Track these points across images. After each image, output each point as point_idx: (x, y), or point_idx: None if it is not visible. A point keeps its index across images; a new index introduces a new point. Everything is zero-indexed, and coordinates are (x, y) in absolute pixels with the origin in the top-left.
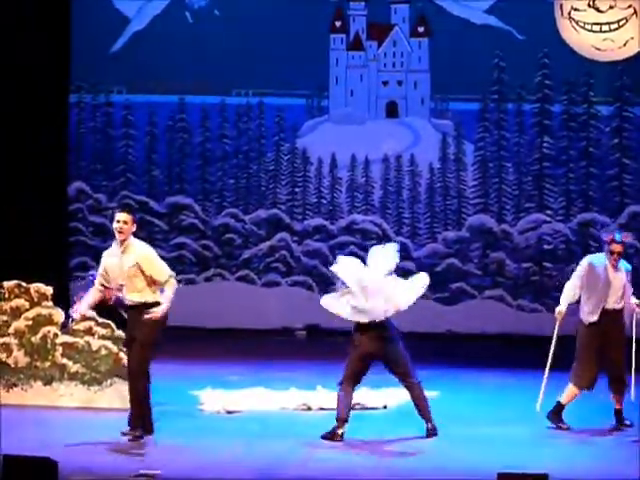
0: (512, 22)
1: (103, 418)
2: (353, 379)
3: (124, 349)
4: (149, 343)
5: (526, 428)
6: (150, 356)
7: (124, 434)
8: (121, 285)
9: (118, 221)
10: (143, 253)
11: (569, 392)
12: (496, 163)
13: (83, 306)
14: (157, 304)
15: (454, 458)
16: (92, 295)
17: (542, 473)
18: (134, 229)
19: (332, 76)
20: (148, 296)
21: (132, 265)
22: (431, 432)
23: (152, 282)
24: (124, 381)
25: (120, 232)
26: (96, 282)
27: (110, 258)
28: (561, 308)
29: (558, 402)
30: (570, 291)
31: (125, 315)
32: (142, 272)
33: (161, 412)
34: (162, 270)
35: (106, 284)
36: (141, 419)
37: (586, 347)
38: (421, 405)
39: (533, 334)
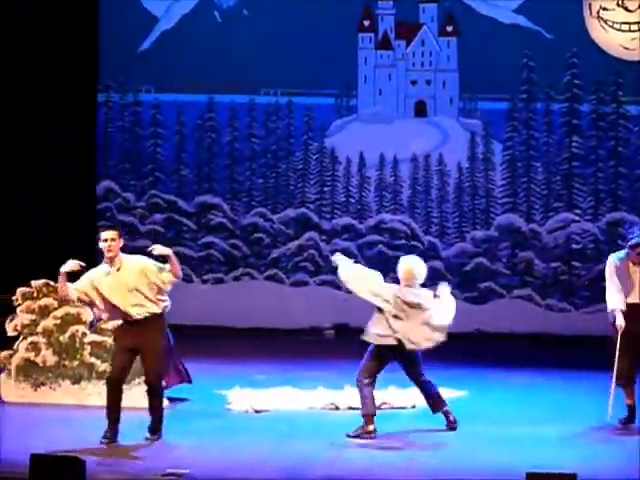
0: (541, 21)
1: (130, 417)
2: (371, 375)
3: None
4: (161, 351)
5: (555, 428)
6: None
7: (148, 439)
8: (111, 306)
9: (105, 240)
10: (144, 263)
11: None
12: (525, 163)
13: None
14: (162, 315)
15: (482, 458)
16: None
17: (571, 473)
18: (122, 244)
19: (360, 75)
20: (154, 307)
21: (136, 276)
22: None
23: (156, 289)
24: None
25: (109, 250)
26: (71, 295)
27: (104, 278)
28: (620, 322)
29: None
30: (616, 294)
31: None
32: (147, 282)
33: (189, 411)
34: (166, 271)
35: (88, 303)
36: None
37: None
38: (434, 400)
39: (561, 334)
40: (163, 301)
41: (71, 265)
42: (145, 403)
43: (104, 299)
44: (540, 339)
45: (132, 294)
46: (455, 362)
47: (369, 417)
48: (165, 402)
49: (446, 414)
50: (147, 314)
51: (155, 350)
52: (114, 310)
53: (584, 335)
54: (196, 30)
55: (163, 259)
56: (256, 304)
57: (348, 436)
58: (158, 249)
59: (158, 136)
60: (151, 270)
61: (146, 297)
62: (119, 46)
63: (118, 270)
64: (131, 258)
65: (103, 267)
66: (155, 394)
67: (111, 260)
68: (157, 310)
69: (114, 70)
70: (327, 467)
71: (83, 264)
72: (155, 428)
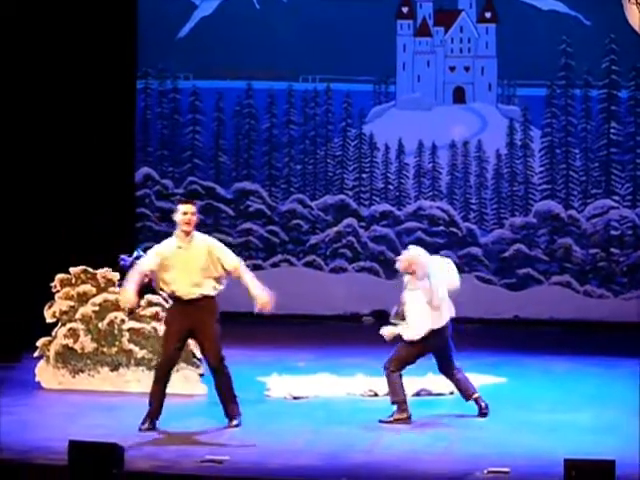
0: (579, 8)
1: (169, 404)
2: (403, 367)
3: (163, 341)
4: (218, 334)
5: (593, 414)
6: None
7: (231, 426)
8: (171, 278)
9: (185, 213)
10: (212, 242)
11: None
12: (563, 149)
13: (131, 295)
14: (215, 298)
15: (521, 444)
16: (137, 282)
17: (609, 459)
18: (197, 220)
19: (399, 62)
20: (210, 289)
21: (204, 255)
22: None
23: (218, 273)
24: (190, 367)
25: (188, 224)
26: (143, 267)
27: (174, 249)
28: None
29: None
30: None
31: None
32: (212, 262)
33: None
34: (233, 255)
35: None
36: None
37: None
38: (464, 386)
39: (600, 320)
40: (220, 285)
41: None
42: (181, 390)
43: (168, 268)
44: (578, 325)
45: (196, 272)
46: (494, 349)
47: (401, 403)
48: (205, 389)
49: (477, 401)
50: (202, 295)
51: (212, 332)
52: (174, 280)
53: (622, 321)
54: (234, 17)
55: None
56: (294, 291)
57: (381, 422)
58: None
59: (196, 123)
60: (218, 250)
61: (207, 277)
62: (158, 33)
63: (190, 243)
64: (202, 236)
65: (173, 240)
66: (221, 375)
67: (187, 234)
68: (212, 293)
69: (153, 57)
70: (366, 453)
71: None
72: (232, 412)
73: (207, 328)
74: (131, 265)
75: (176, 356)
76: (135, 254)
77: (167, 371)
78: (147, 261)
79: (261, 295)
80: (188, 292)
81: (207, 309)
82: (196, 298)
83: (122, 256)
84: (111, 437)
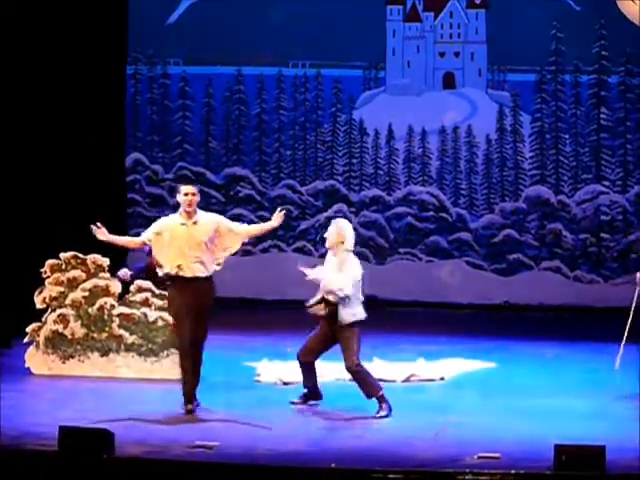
0: None
1: (159, 389)
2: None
3: (175, 317)
4: (209, 315)
5: (583, 400)
6: None
7: (187, 411)
8: (173, 255)
9: (186, 194)
10: (219, 218)
11: None
12: (553, 134)
13: (107, 235)
14: (212, 278)
15: (511, 430)
16: (125, 240)
17: (599, 445)
18: (198, 200)
19: (389, 47)
20: (210, 269)
21: (209, 232)
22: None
23: (222, 250)
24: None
25: (189, 204)
26: (140, 237)
27: (177, 226)
28: None
29: None
30: None
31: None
32: (219, 237)
33: (217, 384)
34: (238, 223)
35: (152, 247)
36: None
37: None
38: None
39: (590, 305)
40: (218, 267)
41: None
42: (170, 375)
43: (170, 243)
44: (568, 311)
45: (199, 249)
46: (484, 334)
47: (381, 396)
48: None
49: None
50: (202, 274)
51: (207, 312)
52: (175, 257)
53: (612, 307)
54: (224, 2)
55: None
56: (284, 276)
57: (375, 417)
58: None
59: (186, 108)
60: (226, 222)
61: (210, 255)
62: (148, 19)
63: (195, 224)
64: (207, 214)
65: (176, 217)
66: (199, 355)
67: (189, 214)
68: (210, 273)
69: (143, 43)
70: (356, 438)
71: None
72: (191, 396)
73: (204, 308)
74: (131, 278)
75: (193, 331)
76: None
77: (193, 346)
78: (145, 232)
79: (274, 221)
80: (190, 268)
81: (207, 288)
82: (196, 277)
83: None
84: (101, 423)
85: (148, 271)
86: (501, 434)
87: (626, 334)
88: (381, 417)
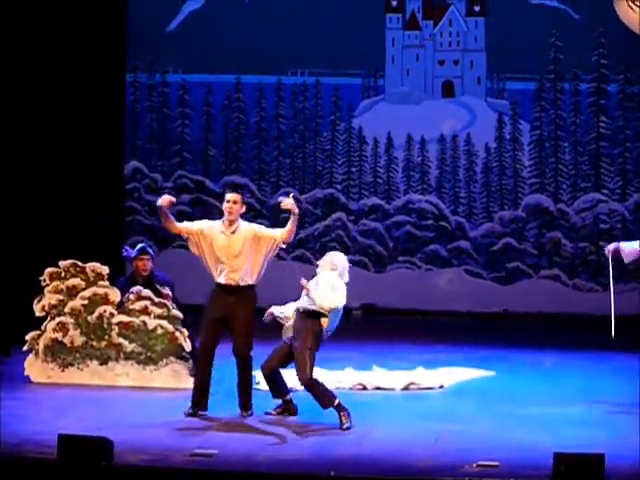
0: (568, 1)
1: (159, 398)
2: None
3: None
4: (252, 323)
5: (582, 408)
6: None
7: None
8: (214, 259)
9: (228, 201)
10: (257, 226)
11: None
12: (552, 143)
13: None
14: (254, 288)
15: (510, 438)
16: (171, 219)
17: (598, 453)
18: (243, 210)
19: (388, 56)
20: (250, 278)
21: (247, 242)
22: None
23: (262, 258)
24: (180, 361)
25: (230, 212)
26: (185, 223)
27: (218, 234)
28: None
29: None
30: None
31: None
32: (258, 246)
33: (217, 391)
34: (275, 230)
35: (192, 242)
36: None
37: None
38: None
39: (589, 313)
40: (257, 276)
41: (166, 199)
42: (169, 384)
43: (210, 250)
44: (568, 319)
45: (238, 259)
46: (483, 342)
47: (338, 404)
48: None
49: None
50: (242, 283)
51: (246, 321)
52: (215, 265)
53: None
54: (224, 10)
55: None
56: (283, 284)
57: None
58: (288, 204)
59: (186, 116)
60: (263, 229)
61: (250, 264)
62: (147, 27)
63: (233, 233)
64: (247, 224)
65: (219, 224)
66: (246, 367)
67: (230, 223)
68: (252, 282)
69: (142, 51)
70: (355, 446)
71: (174, 200)
72: (247, 404)
73: (242, 315)
74: (135, 257)
75: (212, 342)
76: (139, 245)
77: (208, 352)
78: (189, 224)
79: (291, 208)
80: (229, 276)
81: (245, 297)
82: (234, 285)
83: (126, 247)
84: (100, 431)
85: (133, 278)
86: (500, 442)
87: (612, 304)
88: (348, 429)
